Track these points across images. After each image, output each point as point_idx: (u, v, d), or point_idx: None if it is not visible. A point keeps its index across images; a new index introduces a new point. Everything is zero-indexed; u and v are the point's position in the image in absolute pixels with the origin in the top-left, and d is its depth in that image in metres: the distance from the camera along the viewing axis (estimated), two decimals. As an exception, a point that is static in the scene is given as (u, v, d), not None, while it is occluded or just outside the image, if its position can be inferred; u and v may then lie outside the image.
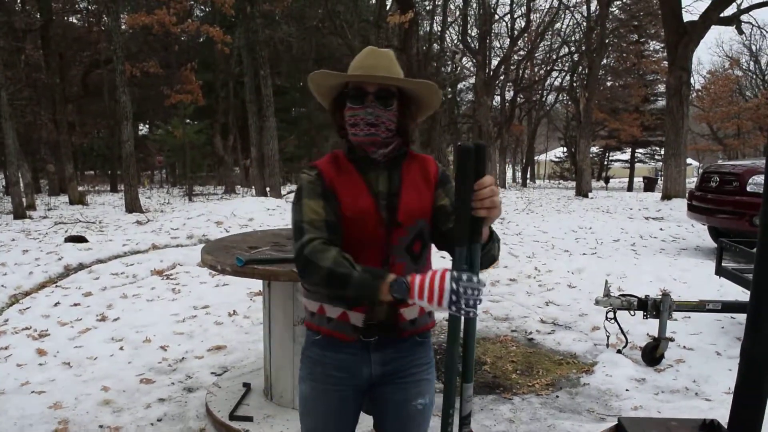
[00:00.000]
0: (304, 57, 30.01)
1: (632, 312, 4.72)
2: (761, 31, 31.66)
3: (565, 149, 48.48)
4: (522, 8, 32.39)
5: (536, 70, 39.19)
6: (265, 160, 19.89)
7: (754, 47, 41.04)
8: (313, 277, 1.71)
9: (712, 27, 19.06)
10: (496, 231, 1.85)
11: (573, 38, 35.08)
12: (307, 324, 2.01)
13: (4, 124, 14.51)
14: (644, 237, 11.34)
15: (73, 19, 27.33)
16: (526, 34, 32.23)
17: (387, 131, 1.87)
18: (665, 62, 24.84)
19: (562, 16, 33.65)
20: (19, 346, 5.05)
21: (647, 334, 5.11)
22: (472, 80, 33.78)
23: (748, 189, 8.74)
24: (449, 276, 1.56)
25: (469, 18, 30.95)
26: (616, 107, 37.34)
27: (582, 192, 24.47)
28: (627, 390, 4.19)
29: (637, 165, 44.44)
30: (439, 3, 30.92)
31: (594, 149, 42.06)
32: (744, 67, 41.93)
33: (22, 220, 13.80)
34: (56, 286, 7.22)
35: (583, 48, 30.01)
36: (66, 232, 11.35)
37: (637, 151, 43.38)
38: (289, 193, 20.84)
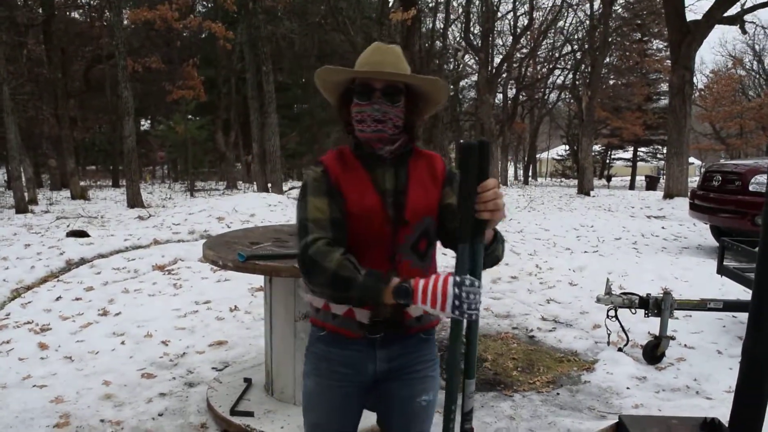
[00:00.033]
0: (307, 53, 29.96)
1: (633, 310, 4.72)
2: (765, 31, 31.75)
3: (567, 147, 48.34)
4: (525, 6, 32.33)
5: (539, 68, 39.13)
6: (266, 156, 19.88)
7: (757, 47, 40.99)
8: (318, 279, 1.72)
9: (716, 26, 19.01)
10: (499, 228, 1.85)
11: (576, 36, 34.96)
12: (312, 320, 2.01)
13: (6, 119, 14.52)
14: (646, 235, 11.34)
15: (75, 14, 27.27)
16: (528, 32, 32.22)
17: (394, 127, 1.86)
18: (668, 61, 24.83)
19: (565, 14, 33.55)
20: (20, 340, 5.06)
21: (648, 333, 5.10)
22: (475, 78, 33.74)
23: (751, 188, 8.74)
24: (452, 281, 1.58)
25: (471, 15, 30.89)
26: (618, 106, 37.27)
27: (584, 190, 24.45)
28: (628, 388, 4.19)
29: (640, 164, 44.29)
30: (442, 0, 30.85)
31: (596, 147, 41.91)
32: (747, 67, 41.84)
33: (24, 215, 13.83)
34: (58, 280, 7.23)
35: (586, 46, 29.94)
36: (68, 226, 11.37)
37: (639, 149, 43.23)
38: (290, 189, 20.82)
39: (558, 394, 4.15)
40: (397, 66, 1.86)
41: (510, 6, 35.03)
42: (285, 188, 20.15)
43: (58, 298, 6.38)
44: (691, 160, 34.06)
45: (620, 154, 47.70)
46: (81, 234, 9.91)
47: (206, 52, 28.15)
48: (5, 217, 13.44)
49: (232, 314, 5.86)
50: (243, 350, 4.89)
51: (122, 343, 5.04)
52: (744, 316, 4.98)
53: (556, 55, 37.43)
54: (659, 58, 35.69)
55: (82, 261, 8.15)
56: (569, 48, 36.06)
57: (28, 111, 21.99)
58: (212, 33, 20.03)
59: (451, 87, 35.62)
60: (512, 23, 34.38)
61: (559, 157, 54.01)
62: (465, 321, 1.64)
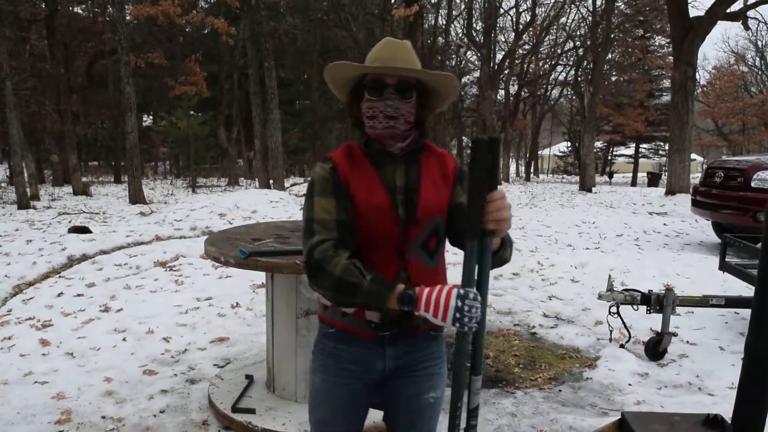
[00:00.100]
0: (309, 49, 29.99)
1: (635, 307, 4.71)
2: (767, 27, 31.59)
3: (569, 144, 48.33)
4: (527, 2, 32.35)
5: (541, 64, 39.14)
6: (268, 153, 19.89)
7: (760, 43, 40.94)
8: (323, 283, 1.72)
9: (718, 22, 18.97)
10: None
11: (578, 33, 34.98)
12: (320, 316, 2.00)
13: (9, 114, 14.51)
14: (648, 232, 11.32)
15: (78, 10, 27.28)
16: (531, 28, 32.19)
17: (406, 123, 1.85)
18: (670, 57, 24.72)
19: (568, 10, 33.57)
20: (22, 336, 5.06)
21: (650, 329, 5.11)
22: (477, 74, 33.76)
23: (753, 185, 8.72)
24: (455, 294, 1.60)
25: (474, 11, 30.90)
26: (620, 102, 37.18)
27: (585, 187, 24.44)
28: (630, 385, 4.19)
29: (641, 160, 44.24)
30: (444, -4, 30.87)
31: (598, 144, 41.90)
32: (749, 63, 41.79)
33: (26, 211, 13.82)
34: (60, 276, 7.24)
35: (588, 42, 29.95)
36: (69, 222, 11.38)
37: (641, 146, 43.18)
38: (292, 185, 20.85)
39: (560, 390, 4.15)
40: (409, 61, 1.84)
41: (512, 2, 35.07)
42: (287, 184, 20.19)
43: (59, 294, 6.38)
44: (693, 156, 34.01)
45: (622, 150, 47.67)
46: (83, 230, 9.92)
47: (209, 47, 28.17)
48: (7, 212, 13.45)
49: (234, 311, 5.86)
50: (244, 347, 4.89)
51: (124, 339, 5.04)
52: (746, 313, 4.98)
53: (559, 51, 37.48)
54: (661, 55, 35.60)
55: (84, 257, 8.15)
56: (571, 44, 36.13)
57: (30, 106, 21.96)
58: (215, 29, 20.04)
59: (454, 83, 35.58)
60: (514, 19, 34.43)
61: (560, 154, 54.00)
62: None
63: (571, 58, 37.00)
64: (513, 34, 33.85)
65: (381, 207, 1.82)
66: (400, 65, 1.80)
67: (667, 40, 33.05)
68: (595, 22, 27.54)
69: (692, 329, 5.27)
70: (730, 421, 2.19)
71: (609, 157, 48.61)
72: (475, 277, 1.67)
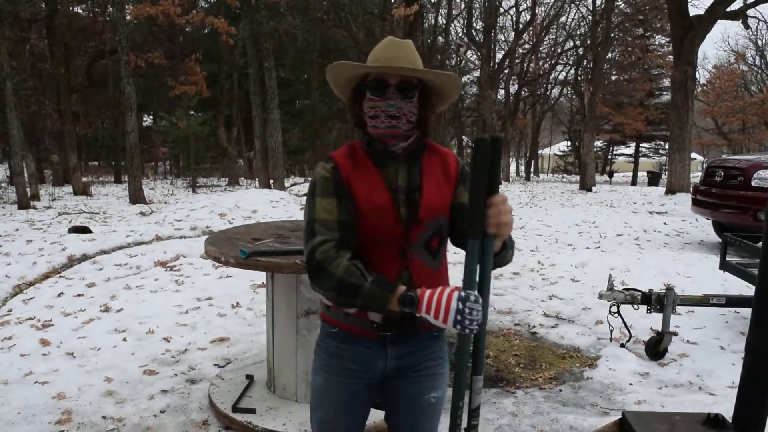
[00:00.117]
0: (309, 49, 29.99)
1: (636, 306, 4.71)
2: (767, 26, 31.58)
3: (569, 143, 48.30)
4: (527, 1, 32.33)
5: (541, 63, 39.12)
6: (268, 152, 19.89)
7: (760, 42, 40.94)
8: (324, 284, 1.73)
9: (718, 21, 18.97)
10: None
11: (578, 32, 34.95)
12: (322, 315, 2.00)
13: (9, 114, 14.51)
14: (648, 231, 11.32)
15: (78, 9, 27.27)
16: (531, 28, 32.17)
17: (408, 123, 1.84)
18: (670, 56, 24.73)
19: (568, 9, 33.56)
20: (22, 336, 5.06)
21: (651, 329, 5.11)
22: (477, 73, 33.74)
23: (753, 184, 8.72)
24: (456, 296, 1.61)
25: (474, 11, 30.90)
26: (620, 101, 37.18)
27: (586, 186, 24.44)
28: (630, 384, 4.19)
29: (642, 159, 44.23)
30: (444, -5, 30.86)
31: (598, 143, 41.89)
32: (749, 62, 41.79)
33: (26, 211, 13.82)
34: (60, 276, 7.24)
35: (588, 42, 29.95)
36: (70, 222, 11.38)
37: (641, 145, 43.17)
38: (292, 185, 20.84)
39: (560, 390, 4.15)
40: (412, 60, 1.83)
41: (512, 1, 34.96)
42: (287, 184, 20.18)
43: (59, 294, 6.38)
44: (693, 155, 34.01)
45: (622, 149, 47.69)
46: (83, 230, 9.92)
47: (209, 47, 28.17)
48: (7, 212, 13.45)
49: (234, 311, 5.86)
50: (245, 347, 4.89)
51: (124, 339, 5.04)
52: (747, 312, 4.98)
53: (559, 50, 37.47)
54: (661, 54, 35.60)
55: (84, 257, 8.16)
56: (571, 44, 36.11)
57: (30, 106, 21.95)
58: (215, 28, 20.03)
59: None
60: (514, 19, 34.43)
61: (561, 153, 53.99)
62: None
63: (571, 58, 37.00)
64: (513, 33, 33.85)
65: (383, 207, 1.82)
66: (402, 65, 1.80)
67: (667, 39, 33.05)
68: (595, 21, 27.55)
69: (693, 328, 5.26)
70: (731, 421, 2.19)
71: (609, 157, 48.61)
72: (477, 278, 1.67)
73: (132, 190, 16.37)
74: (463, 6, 32.10)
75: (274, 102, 18.73)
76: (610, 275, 4.93)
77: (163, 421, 3.60)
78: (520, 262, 7.83)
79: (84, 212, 13.50)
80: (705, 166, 11.78)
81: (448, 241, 1.97)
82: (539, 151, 53.24)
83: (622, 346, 4.82)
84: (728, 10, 19.02)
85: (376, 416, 2.16)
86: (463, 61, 37.98)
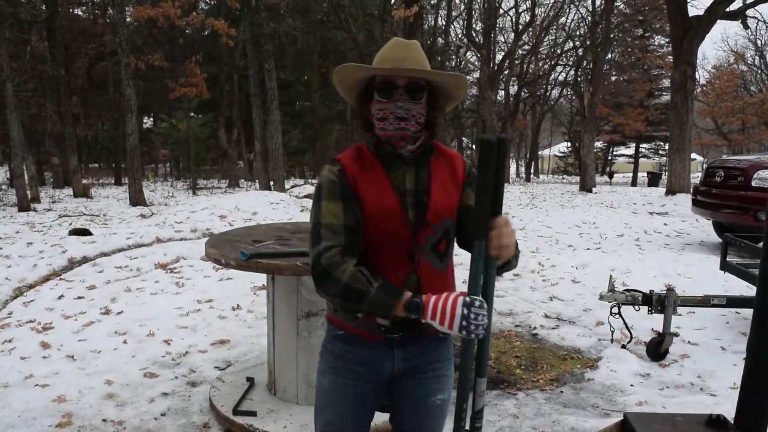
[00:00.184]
0: (309, 50, 30.02)
1: (637, 307, 4.71)
2: (766, 26, 31.60)
3: (569, 144, 48.31)
4: (527, 2, 32.34)
5: (541, 64, 39.15)
6: (269, 154, 19.88)
7: (759, 42, 40.96)
8: (330, 290, 1.72)
9: (718, 22, 18.97)
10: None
11: (578, 33, 34.99)
12: (329, 317, 2.00)
13: (10, 116, 14.52)
14: (648, 232, 11.32)
15: (78, 11, 27.24)
16: (530, 29, 32.20)
17: (417, 124, 1.83)
18: (670, 57, 24.74)
19: (567, 10, 33.61)
20: (23, 339, 5.05)
21: (652, 330, 5.10)
22: (477, 74, 33.72)
23: (753, 184, 8.72)
24: (461, 302, 1.61)
25: (473, 12, 30.90)
26: (620, 102, 37.17)
27: (586, 187, 24.43)
28: (632, 385, 4.18)
29: (642, 160, 44.22)
30: (444, -3, 30.87)
31: (598, 144, 41.86)
32: (749, 62, 41.77)
33: (26, 213, 13.84)
34: (60, 279, 7.23)
35: (588, 42, 29.94)
36: (70, 224, 11.38)
37: (641, 146, 43.16)
38: (293, 186, 20.83)
39: (562, 392, 4.14)
40: (419, 62, 1.82)
41: (512, 2, 35.08)
42: (287, 186, 20.17)
43: (60, 297, 6.38)
44: (693, 156, 34.03)
45: (622, 150, 47.67)
46: (83, 232, 9.92)
47: (209, 49, 28.21)
48: (8, 215, 13.45)
49: (235, 313, 5.85)
50: (245, 349, 4.88)
51: (124, 342, 5.04)
52: (748, 312, 4.97)
53: (558, 51, 37.48)
54: (661, 54, 35.60)
55: (85, 259, 8.16)
56: (571, 44, 36.14)
57: (31, 108, 21.96)
58: (215, 30, 20.07)
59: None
60: (514, 20, 34.45)
61: (560, 154, 53.99)
62: None
63: (571, 58, 37.01)
64: (513, 34, 33.86)
65: (391, 210, 1.81)
66: (409, 66, 1.79)
67: (667, 40, 33.05)
68: (595, 22, 27.54)
69: (694, 329, 5.26)
70: (732, 422, 2.19)
71: (609, 157, 48.60)
72: (481, 283, 1.68)
73: (132, 192, 16.38)
74: (462, 7, 32.12)
75: (274, 103, 18.73)
76: (610, 276, 4.93)
77: (164, 424, 3.59)
78: (521, 264, 7.82)
79: (84, 214, 13.50)
80: (705, 166, 11.78)
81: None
82: (539, 152, 53.21)
83: (623, 347, 4.82)
84: (727, 10, 19.02)
85: (377, 418, 2.16)
86: (463, 63, 37.99)
